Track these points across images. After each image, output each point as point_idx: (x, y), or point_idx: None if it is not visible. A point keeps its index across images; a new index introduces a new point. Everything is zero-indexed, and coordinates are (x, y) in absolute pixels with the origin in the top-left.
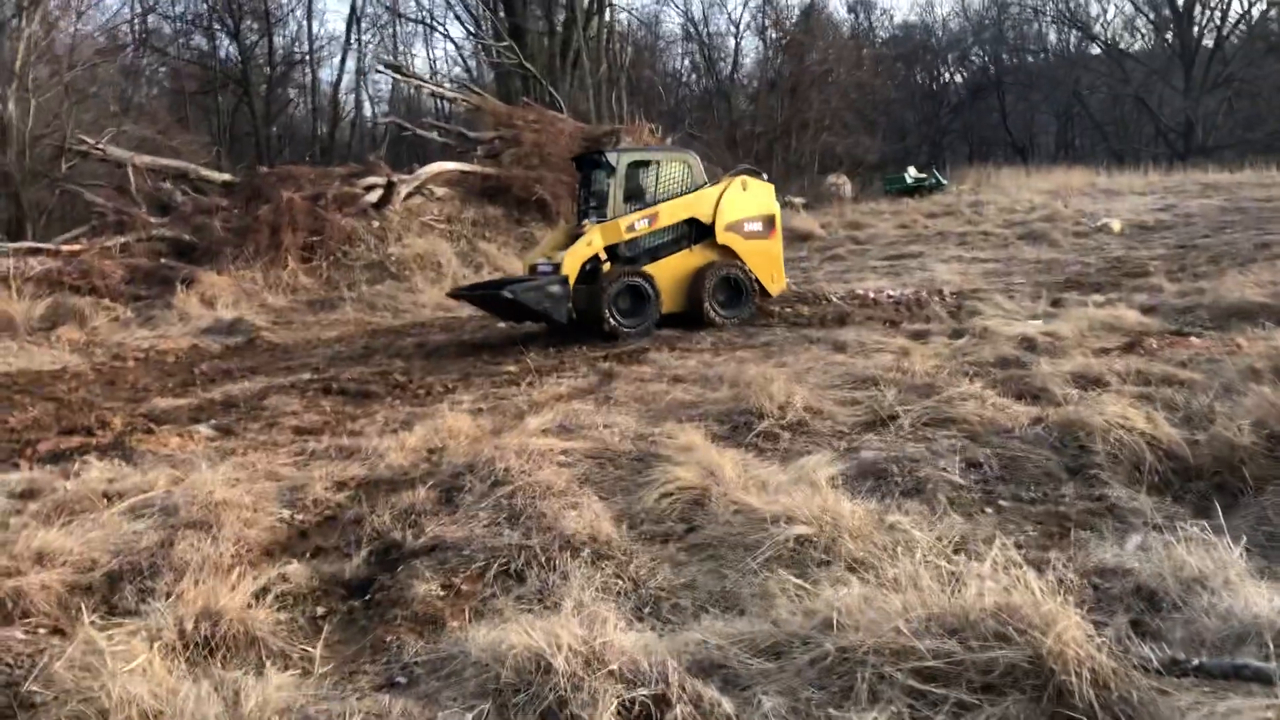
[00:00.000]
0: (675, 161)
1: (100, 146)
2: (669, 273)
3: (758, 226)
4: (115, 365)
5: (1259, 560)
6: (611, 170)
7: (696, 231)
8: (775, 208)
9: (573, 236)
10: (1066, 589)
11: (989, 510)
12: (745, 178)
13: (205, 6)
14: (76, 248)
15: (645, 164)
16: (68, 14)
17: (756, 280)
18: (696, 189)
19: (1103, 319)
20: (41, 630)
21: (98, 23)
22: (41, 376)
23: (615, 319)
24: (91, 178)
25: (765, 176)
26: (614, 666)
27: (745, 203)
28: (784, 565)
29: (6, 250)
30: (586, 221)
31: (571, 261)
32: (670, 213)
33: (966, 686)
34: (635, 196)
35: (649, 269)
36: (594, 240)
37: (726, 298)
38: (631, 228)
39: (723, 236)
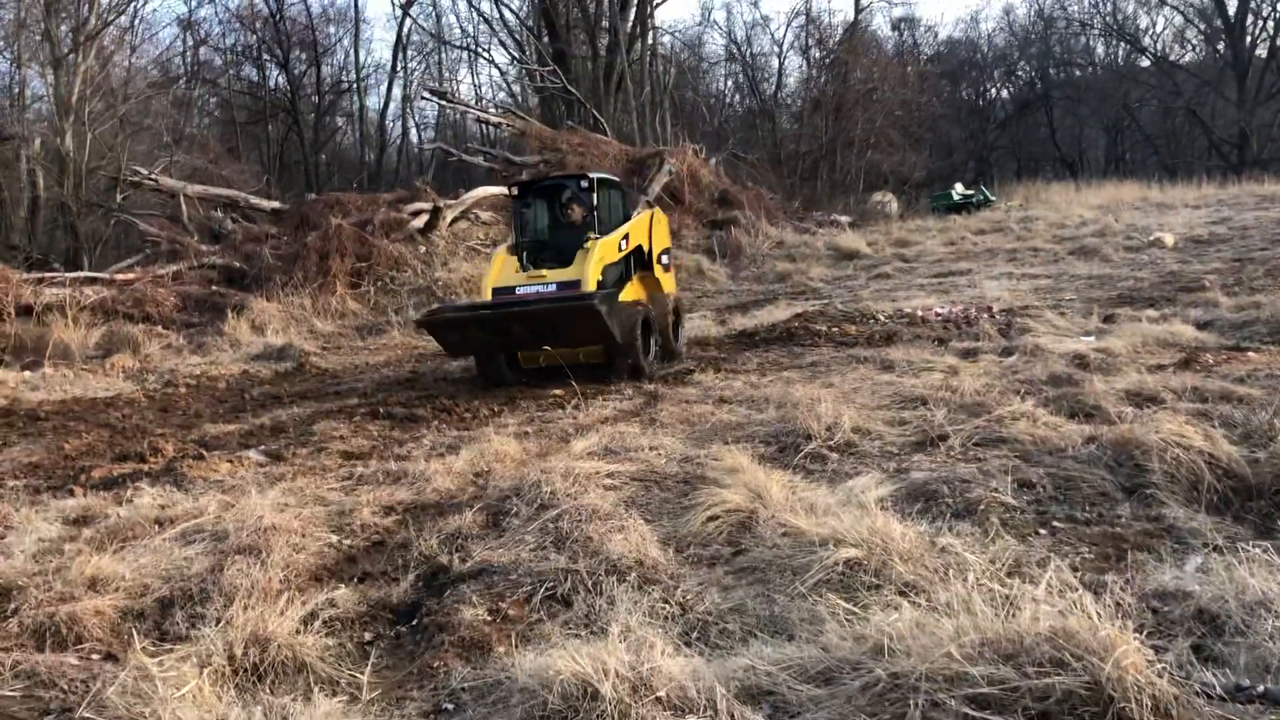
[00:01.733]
0: (614, 188)
1: (153, 177)
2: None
3: (666, 259)
4: (167, 392)
5: None
6: (593, 194)
7: (635, 262)
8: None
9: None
10: (1124, 613)
11: (1043, 532)
12: (655, 209)
13: (255, 38)
14: (130, 276)
15: (595, 190)
16: (122, 48)
17: None
18: (628, 217)
19: (1157, 335)
20: (95, 656)
21: (151, 56)
22: (96, 403)
23: (646, 354)
24: (145, 207)
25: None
26: (662, 693)
27: (663, 233)
28: (833, 589)
29: (63, 280)
30: (593, 236)
31: (595, 277)
32: (633, 234)
33: (1023, 714)
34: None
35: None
36: (605, 255)
37: (673, 327)
38: (620, 246)
39: (657, 267)
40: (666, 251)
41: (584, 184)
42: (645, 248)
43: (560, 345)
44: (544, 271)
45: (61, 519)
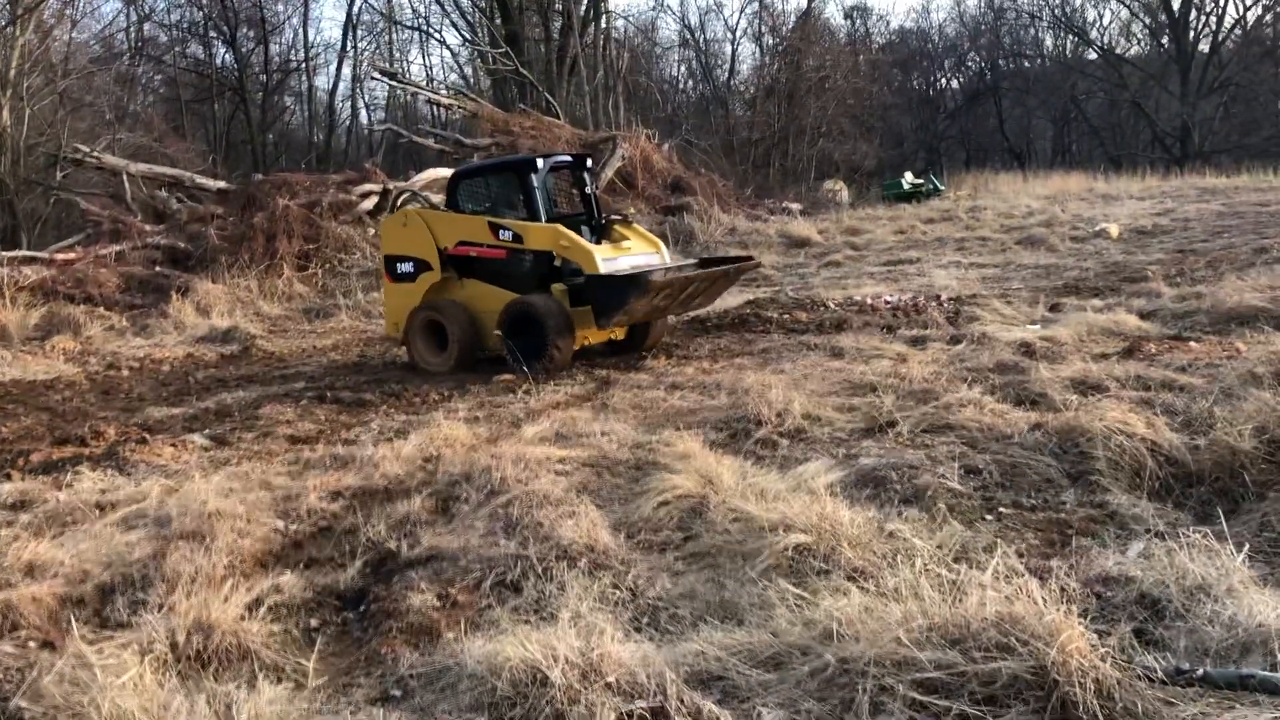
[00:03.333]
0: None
1: (95, 155)
2: None
3: None
4: (110, 374)
5: (1262, 567)
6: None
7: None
8: None
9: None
10: (1069, 598)
11: (989, 518)
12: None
13: (201, 15)
14: (71, 256)
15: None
16: (63, 22)
17: None
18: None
19: (1101, 324)
20: (31, 644)
21: (93, 31)
22: (35, 386)
23: None
24: (86, 186)
25: None
26: (611, 679)
27: None
28: (783, 574)
29: (1, 259)
30: (631, 214)
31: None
32: None
33: (969, 698)
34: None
35: None
36: None
37: None
38: None
39: None
40: None
41: (590, 163)
42: None
43: (688, 309)
44: (626, 245)
45: None
